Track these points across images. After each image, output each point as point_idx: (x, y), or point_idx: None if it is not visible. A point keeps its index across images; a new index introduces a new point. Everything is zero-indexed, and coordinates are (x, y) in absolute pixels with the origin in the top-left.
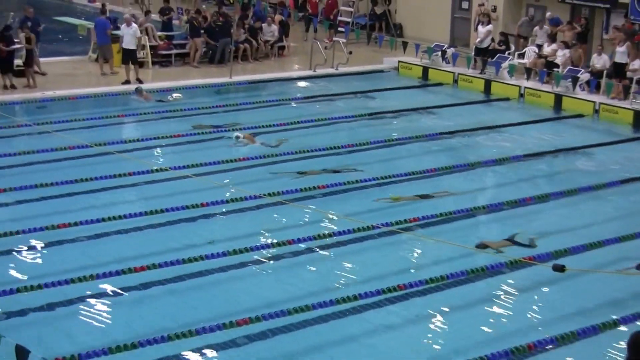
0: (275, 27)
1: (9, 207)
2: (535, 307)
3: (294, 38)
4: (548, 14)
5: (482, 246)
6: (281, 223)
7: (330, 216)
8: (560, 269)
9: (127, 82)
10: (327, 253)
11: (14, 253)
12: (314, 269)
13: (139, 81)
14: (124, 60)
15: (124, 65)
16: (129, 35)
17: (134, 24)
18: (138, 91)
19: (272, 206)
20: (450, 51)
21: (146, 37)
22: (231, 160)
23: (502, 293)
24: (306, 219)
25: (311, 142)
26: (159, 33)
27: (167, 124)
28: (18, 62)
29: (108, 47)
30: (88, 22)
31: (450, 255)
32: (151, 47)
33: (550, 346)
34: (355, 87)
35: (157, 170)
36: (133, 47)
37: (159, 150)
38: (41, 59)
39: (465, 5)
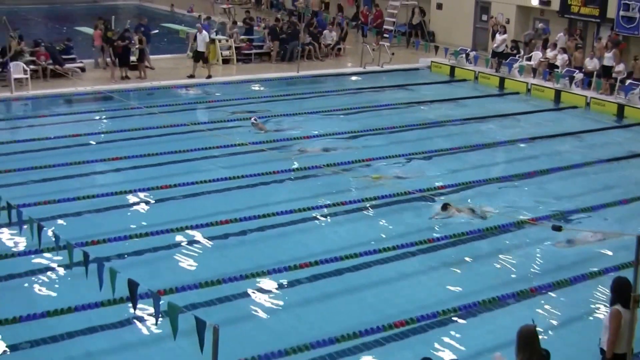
0: (334, 33)
1: (125, 171)
2: (536, 260)
3: (348, 42)
4: (540, 24)
5: (444, 207)
6: (336, 188)
7: (374, 183)
8: (558, 228)
9: (192, 76)
10: (371, 213)
11: (129, 207)
12: (360, 225)
13: (209, 77)
14: (195, 59)
15: (194, 63)
16: (200, 40)
17: (204, 31)
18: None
19: (328, 175)
20: (472, 54)
21: (232, 40)
22: (294, 138)
23: (509, 247)
24: (355, 185)
25: (359, 124)
26: (242, 37)
27: (250, 108)
28: (132, 58)
29: (212, 45)
30: (188, 27)
31: (466, 216)
32: (236, 48)
33: (549, 290)
34: (396, 81)
35: (238, 145)
36: (203, 49)
37: (239, 128)
38: (151, 56)
39: (484, 17)
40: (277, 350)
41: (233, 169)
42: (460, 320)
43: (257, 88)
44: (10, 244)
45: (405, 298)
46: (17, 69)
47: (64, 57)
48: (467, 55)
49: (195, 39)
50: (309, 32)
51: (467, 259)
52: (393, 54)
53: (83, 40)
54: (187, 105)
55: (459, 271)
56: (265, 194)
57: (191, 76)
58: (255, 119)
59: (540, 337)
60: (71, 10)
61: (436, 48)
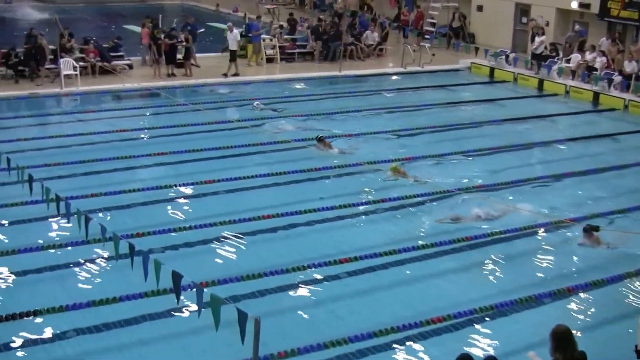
0: (375, 34)
1: (170, 166)
2: (572, 259)
3: (390, 42)
4: (576, 27)
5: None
6: (375, 185)
7: (415, 182)
8: (595, 229)
9: (226, 75)
10: (408, 211)
11: (173, 201)
12: (398, 222)
13: (235, 75)
14: (231, 58)
15: (229, 62)
16: (231, 39)
17: (235, 30)
18: (319, 140)
19: (369, 172)
20: (512, 55)
21: (276, 39)
22: (335, 136)
23: (545, 247)
24: (393, 183)
25: (399, 123)
26: (286, 36)
27: (293, 106)
28: (179, 56)
29: (258, 44)
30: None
31: (506, 214)
32: (280, 47)
33: (585, 289)
34: (436, 82)
35: (281, 142)
36: (234, 48)
37: (280, 126)
38: (197, 54)
39: (524, 20)
40: (315, 343)
41: (275, 165)
42: (496, 319)
43: (300, 87)
44: (58, 235)
45: (442, 295)
46: (66, 66)
47: (113, 54)
48: (507, 57)
49: (240, 36)
50: (351, 33)
51: (503, 257)
52: (434, 54)
53: (131, 39)
54: (231, 103)
55: (495, 269)
56: (306, 190)
57: (225, 75)
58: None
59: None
60: (120, 9)
61: (476, 49)
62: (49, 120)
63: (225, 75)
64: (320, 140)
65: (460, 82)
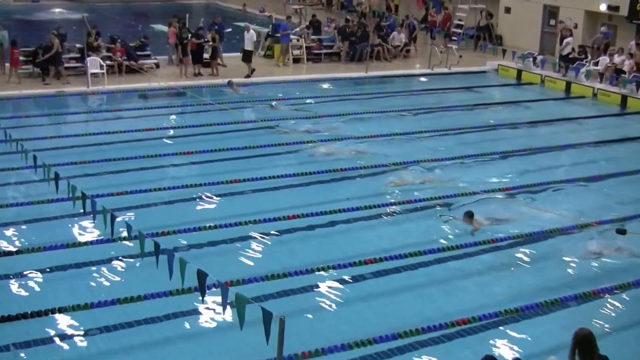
0: (402, 35)
1: (196, 165)
2: (599, 262)
3: (417, 43)
4: (601, 28)
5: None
6: (401, 186)
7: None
8: (622, 232)
9: (249, 75)
10: (434, 212)
11: (199, 200)
12: (424, 223)
13: (248, 76)
14: (244, 58)
15: (246, 63)
16: (248, 39)
17: (252, 31)
18: (229, 84)
19: (395, 173)
20: (539, 58)
21: (303, 39)
22: (361, 137)
23: (572, 250)
24: (420, 184)
25: (425, 124)
26: (313, 37)
27: (319, 107)
28: (205, 55)
29: (285, 44)
30: (259, 27)
31: (532, 216)
32: (306, 48)
33: (610, 293)
34: (463, 84)
35: (307, 142)
36: (250, 48)
37: (306, 126)
38: (223, 54)
39: (552, 22)
40: (340, 344)
41: (301, 165)
42: (521, 321)
43: (326, 87)
44: (84, 232)
45: (467, 297)
46: (93, 64)
47: (140, 53)
48: (534, 59)
49: (267, 36)
50: (378, 34)
51: (528, 260)
52: (461, 56)
53: (158, 38)
54: (257, 102)
55: (520, 272)
56: (331, 191)
57: (248, 76)
58: (275, 103)
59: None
60: (147, 8)
61: (504, 51)
62: (75, 119)
63: (248, 76)
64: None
65: (487, 84)
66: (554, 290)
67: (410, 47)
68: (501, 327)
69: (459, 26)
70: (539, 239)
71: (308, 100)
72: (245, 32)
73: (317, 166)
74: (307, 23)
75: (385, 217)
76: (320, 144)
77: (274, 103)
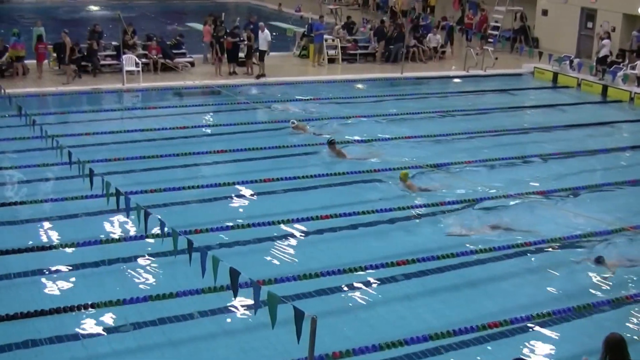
0: (438, 36)
1: (230, 164)
2: (633, 267)
3: (453, 45)
4: (633, 32)
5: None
6: (435, 186)
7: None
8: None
9: (262, 75)
10: (468, 214)
11: (232, 198)
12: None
13: (260, 77)
14: (259, 58)
15: (260, 62)
16: (262, 39)
17: (266, 30)
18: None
19: (429, 174)
20: (576, 61)
21: (338, 40)
22: (395, 138)
23: (607, 254)
24: (453, 185)
25: (460, 126)
26: (348, 37)
27: (350, 107)
28: (241, 54)
29: (319, 44)
30: (295, 26)
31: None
32: (342, 48)
33: None
34: (498, 86)
35: (340, 142)
36: (265, 48)
37: (340, 127)
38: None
39: (589, 25)
40: (370, 344)
41: (333, 165)
42: (553, 325)
43: (360, 87)
44: (117, 229)
45: (499, 300)
46: (129, 62)
47: (175, 51)
48: (571, 62)
49: (302, 36)
50: (413, 35)
51: (562, 263)
52: (496, 58)
53: (194, 36)
54: (292, 102)
55: (553, 275)
56: (364, 191)
57: (261, 75)
58: (293, 122)
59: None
60: (183, 6)
61: (540, 54)
62: (110, 116)
63: (258, 77)
64: (331, 144)
65: (522, 86)
66: (587, 295)
67: (445, 49)
68: (533, 331)
69: (496, 28)
70: (573, 243)
71: (339, 101)
72: (260, 31)
73: (349, 166)
74: (342, 23)
75: (417, 219)
76: (353, 145)
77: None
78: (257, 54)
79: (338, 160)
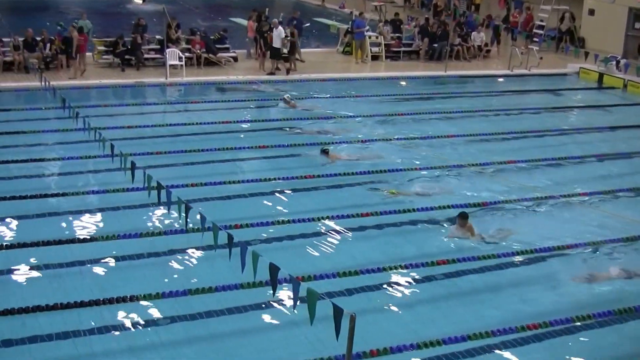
0: (483, 34)
1: (270, 160)
2: None
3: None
4: None
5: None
6: (476, 186)
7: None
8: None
9: (272, 73)
10: (511, 215)
11: (271, 194)
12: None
13: (271, 74)
14: (272, 56)
15: (272, 60)
16: (275, 36)
17: (280, 27)
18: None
19: (472, 175)
20: (622, 61)
21: (382, 37)
22: (436, 136)
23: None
24: (490, 185)
25: (502, 126)
26: (392, 34)
27: (396, 105)
28: (284, 50)
29: (362, 41)
30: (339, 22)
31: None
32: (385, 45)
33: None
34: (543, 86)
35: (382, 139)
36: (278, 46)
37: (368, 122)
38: (302, 49)
39: (637, 25)
40: (408, 343)
41: (376, 164)
42: (594, 329)
43: (403, 84)
44: (157, 222)
45: (539, 301)
46: (172, 56)
47: (219, 46)
48: (617, 62)
49: (346, 33)
50: (458, 33)
51: (605, 266)
52: (541, 58)
53: (237, 31)
54: (335, 100)
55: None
56: (405, 189)
57: (271, 73)
58: (287, 97)
59: None
60: (228, 1)
61: (586, 54)
62: (152, 109)
63: (273, 73)
64: (324, 152)
65: (567, 86)
66: (629, 299)
67: (490, 48)
68: (573, 334)
69: (541, 27)
70: (616, 246)
71: (385, 99)
72: (274, 28)
73: (391, 164)
74: (386, 19)
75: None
76: (397, 141)
77: (286, 96)
78: (269, 52)
79: (376, 160)
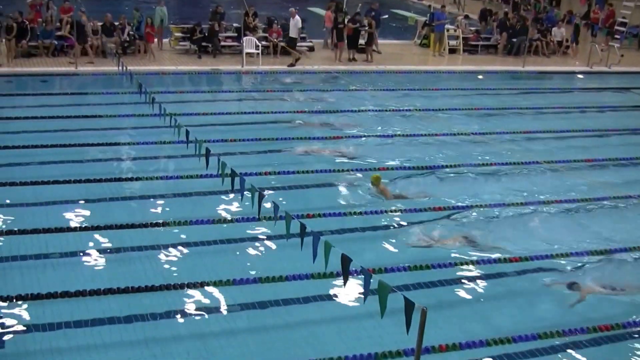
0: (563, 30)
1: (344, 149)
2: None
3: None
4: None
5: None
6: (552, 182)
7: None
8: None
9: (293, 65)
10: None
11: (344, 185)
12: (577, 223)
13: (291, 65)
14: (289, 45)
15: (291, 50)
16: (292, 26)
17: (297, 17)
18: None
19: (548, 171)
20: None
21: (460, 30)
22: (512, 132)
23: None
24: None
25: (578, 124)
26: (471, 28)
27: (474, 99)
28: (361, 41)
29: (442, 34)
30: (417, 14)
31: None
32: (463, 39)
33: None
34: (622, 84)
35: (456, 134)
36: (295, 36)
37: (441, 115)
38: (379, 41)
39: None
40: (478, 340)
41: (459, 156)
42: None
43: (480, 79)
44: (230, 210)
45: (613, 303)
46: (249, 44)
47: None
48: None
49: (424, 25)
50: (537, 28)
51: None
52: (622, 55)
53: (315, 21)
54: (404, 92)
55: None
56: (479, 184)
57: (291, 65)
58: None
59: None
60: None
61: None
62: (228, 97)
63: (292, 65)
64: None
65: None
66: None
67: (569, 44)
68: None
69: (623, 24)
70: None
71: (459, 92)
72: (291, 18)
73: (466, 158)
74: (465, 13)
75: (532, 215)
76: (474, 137)
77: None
78: (290, 42)
79: (459, 153)
